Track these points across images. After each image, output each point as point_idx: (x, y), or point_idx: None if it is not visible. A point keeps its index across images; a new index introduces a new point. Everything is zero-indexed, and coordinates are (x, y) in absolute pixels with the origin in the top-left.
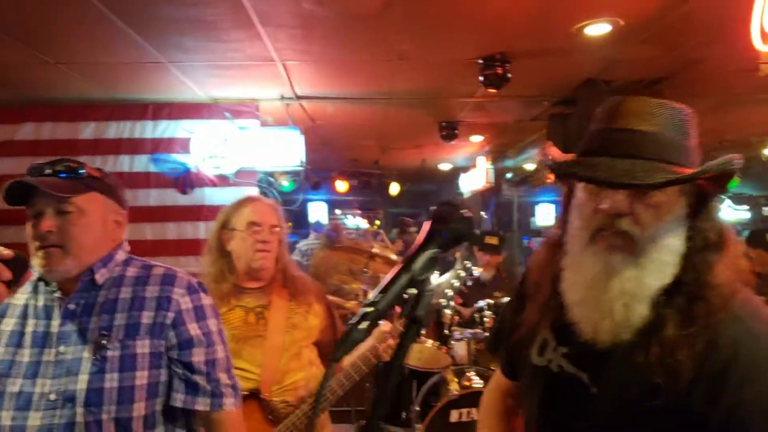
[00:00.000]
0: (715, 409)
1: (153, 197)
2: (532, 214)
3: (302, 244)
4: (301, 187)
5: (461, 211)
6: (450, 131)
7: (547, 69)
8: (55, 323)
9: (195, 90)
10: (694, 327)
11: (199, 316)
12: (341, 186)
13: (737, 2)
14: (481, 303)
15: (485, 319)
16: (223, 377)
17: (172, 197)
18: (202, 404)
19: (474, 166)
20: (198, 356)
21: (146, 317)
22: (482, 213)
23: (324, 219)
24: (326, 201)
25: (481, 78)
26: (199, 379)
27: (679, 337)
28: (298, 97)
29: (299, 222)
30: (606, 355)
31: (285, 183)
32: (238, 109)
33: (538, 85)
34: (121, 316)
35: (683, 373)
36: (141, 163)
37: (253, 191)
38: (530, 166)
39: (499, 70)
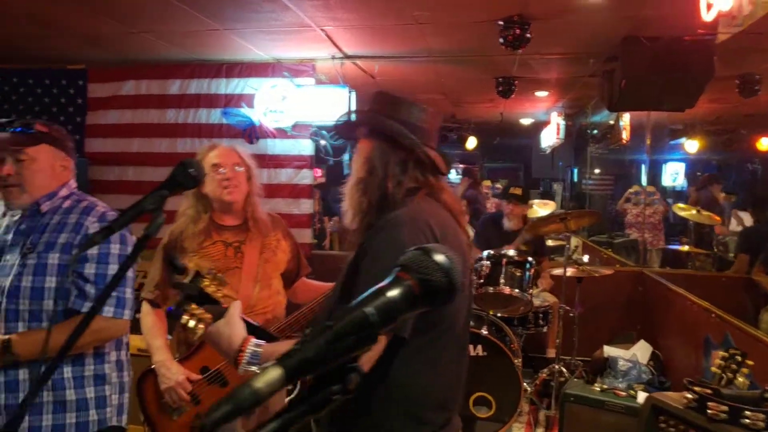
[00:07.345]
0: None
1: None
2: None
3: None
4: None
5: (189, 167)
6: (507, 87)
7: (572, 29)
8: (9, 238)
9: (257, 52)
10: None
11: None
12: None
13: None
14: (484, 253)
15: (483, 267)
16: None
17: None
18: (85, 308)
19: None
20: (90, 269)
21: (62, 237)
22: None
23: None
24: None
25: (501, 39)
26: (88, 288)
27: None
28: (347, 57)
29: None
30: None
31: None
32: (297, 69)
33: (575, 43)
34: (47, 236)
35: None
36: (216, 116)
37: (307, 143)
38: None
39: (518, 31)
